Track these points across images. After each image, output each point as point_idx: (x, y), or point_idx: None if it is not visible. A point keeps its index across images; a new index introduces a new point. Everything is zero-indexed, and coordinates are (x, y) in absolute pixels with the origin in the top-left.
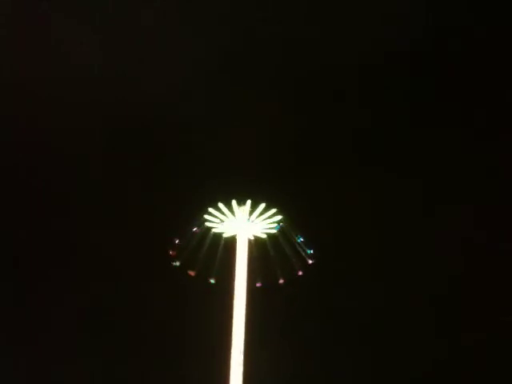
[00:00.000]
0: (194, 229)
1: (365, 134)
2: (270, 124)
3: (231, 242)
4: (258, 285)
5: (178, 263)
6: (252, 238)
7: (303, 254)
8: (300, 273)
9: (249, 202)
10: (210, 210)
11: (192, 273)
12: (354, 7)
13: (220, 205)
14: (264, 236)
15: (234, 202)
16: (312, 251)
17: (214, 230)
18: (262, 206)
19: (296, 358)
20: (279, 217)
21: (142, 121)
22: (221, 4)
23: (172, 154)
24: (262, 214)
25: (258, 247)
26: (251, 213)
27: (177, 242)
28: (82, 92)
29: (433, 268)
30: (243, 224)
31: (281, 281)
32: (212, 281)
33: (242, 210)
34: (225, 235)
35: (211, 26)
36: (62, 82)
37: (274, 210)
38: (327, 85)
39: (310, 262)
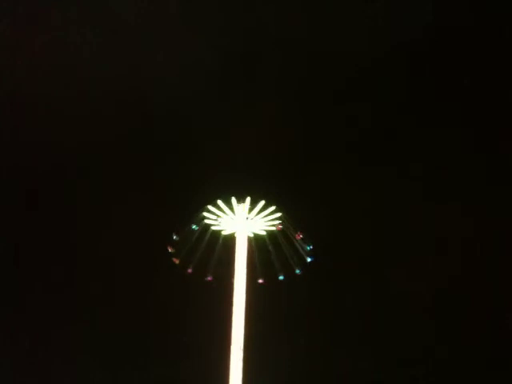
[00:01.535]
0: (193, 226)
1: (365, 133)
2: (269, 124)
3: (230, 240)
4: (261, 281)
5: (177, 261)
6: (251, 235)
7: (302, 251)
8: (299, 271)
9: (248, 199)
10: (209, 207)
11: (190, 270)
12: (354, 7)
13: (219, 202)
14: (263, 233)
15: (233, 200)
16: (311, 247)
17: (212, 228)
18: (262, 203)
19: (295, 357)
20: (279, 214)
21: (142, 121)
22: (221, 4)
23: (172, 154)
24: (261, 211)
25: (257, 244)
26: (250, 210)
27: (174, 237)
28: (82, 92)
29: (433, 268)
30: (242, 221)
31: (281, 277)
32: (210, 278)
33: (241, 208)
34: (224, 233)
35: (211, 26)
36: (62, 82)
37: (273, 207)
38: (327, 85)
39: (309, 260)
